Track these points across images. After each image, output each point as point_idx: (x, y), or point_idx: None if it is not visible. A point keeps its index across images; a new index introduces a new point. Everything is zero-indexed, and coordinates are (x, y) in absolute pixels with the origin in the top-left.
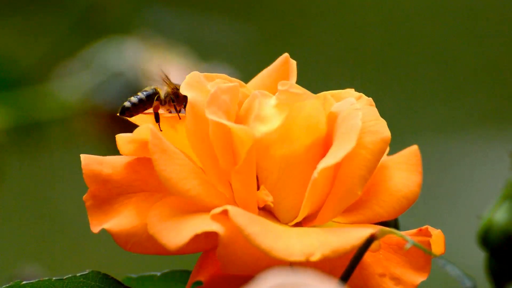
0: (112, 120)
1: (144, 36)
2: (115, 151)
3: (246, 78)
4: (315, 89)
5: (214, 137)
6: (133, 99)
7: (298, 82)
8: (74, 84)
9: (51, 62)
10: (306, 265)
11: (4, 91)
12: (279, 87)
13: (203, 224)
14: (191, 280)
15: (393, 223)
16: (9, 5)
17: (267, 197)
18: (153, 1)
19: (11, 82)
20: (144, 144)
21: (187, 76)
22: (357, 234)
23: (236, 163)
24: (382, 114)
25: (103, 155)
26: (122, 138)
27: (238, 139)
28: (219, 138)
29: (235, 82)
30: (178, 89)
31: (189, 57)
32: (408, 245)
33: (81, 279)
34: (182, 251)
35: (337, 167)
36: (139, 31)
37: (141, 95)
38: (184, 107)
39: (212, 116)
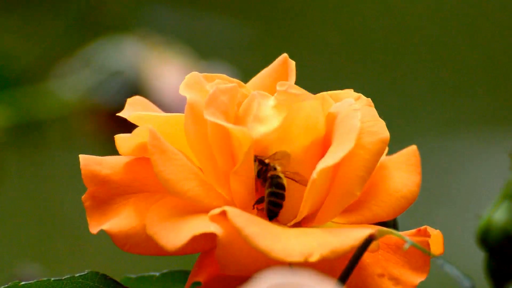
0: (111, 118)
1: (143, 35)
2: (114, 149)
3: (246, 77)
4: (314, 90)
5: (213, 138)
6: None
7: (297, 83)
8: (73, 83)
9: (50, 61)
10: (305, 265)
11: (3, 90)
12: (278, 88)
13: (201, 225)
14: (190, 281)
15: (392, 223)
16: (8, 3)
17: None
18: None
19: (10, 81)
20: (143, 145)
21: (186, 77)
22: (356, 235)
23: (234, 164)
24: (382, 115)
25: (102, 154)
26: (121, 138)
27: (236, 140)
28: (217, 139)
29: (235, 82)
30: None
31: (188, 55)
32: (407, 245)
33: (80, 280)
34: (180, 252)
35: (336, 167)
36: (138, 29)
37: None
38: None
39: (211, 117)
